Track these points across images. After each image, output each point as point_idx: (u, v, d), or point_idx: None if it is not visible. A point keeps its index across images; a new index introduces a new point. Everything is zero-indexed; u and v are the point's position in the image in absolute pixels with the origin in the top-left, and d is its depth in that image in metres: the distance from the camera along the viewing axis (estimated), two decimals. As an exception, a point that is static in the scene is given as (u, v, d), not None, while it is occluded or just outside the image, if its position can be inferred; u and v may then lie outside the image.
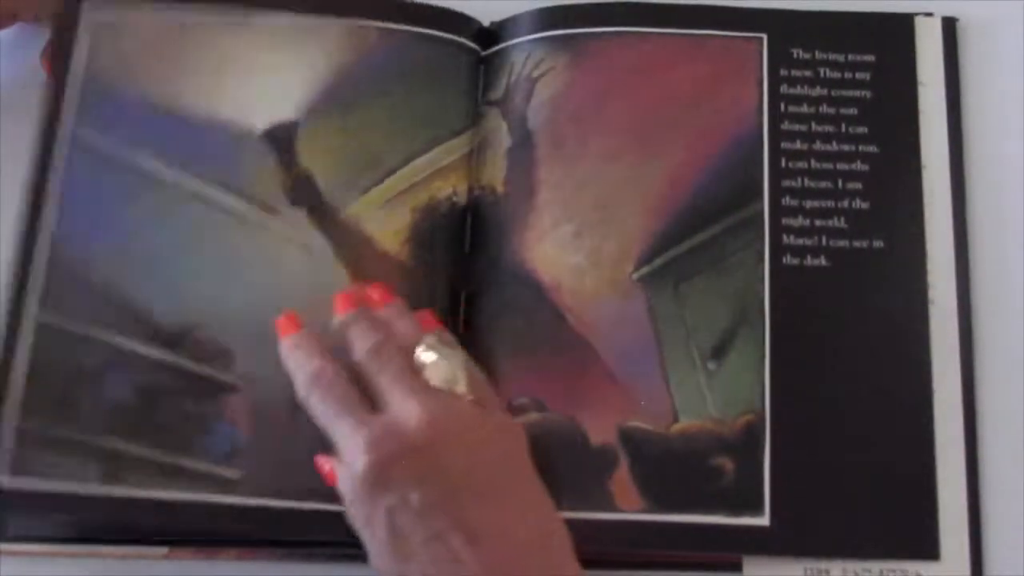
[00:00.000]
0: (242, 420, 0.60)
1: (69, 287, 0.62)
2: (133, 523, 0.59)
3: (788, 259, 0.61)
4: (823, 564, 0.57)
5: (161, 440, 0.59)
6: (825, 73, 0.65)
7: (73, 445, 0.59)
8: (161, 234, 0.63)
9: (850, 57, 0.65)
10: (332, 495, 0.56)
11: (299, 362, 0.57)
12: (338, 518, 0.56)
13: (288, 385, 0.58)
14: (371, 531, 0.53)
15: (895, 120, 0.64)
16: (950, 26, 0.66)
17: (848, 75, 0.64)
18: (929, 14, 0.66)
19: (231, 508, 0.58)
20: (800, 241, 0.61)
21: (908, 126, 0.64)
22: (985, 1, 0.68)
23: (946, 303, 0.61)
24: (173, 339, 0.61)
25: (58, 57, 0.66)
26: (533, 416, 0.59)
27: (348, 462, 0.53)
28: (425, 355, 0.56)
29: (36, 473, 0.59)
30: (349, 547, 0.57)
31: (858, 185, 0.62)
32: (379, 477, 0.52)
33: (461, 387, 0.55)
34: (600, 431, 0.59)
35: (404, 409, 0.53)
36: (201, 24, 0.67)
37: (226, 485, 0.59)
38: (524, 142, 0.64)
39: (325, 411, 0.55)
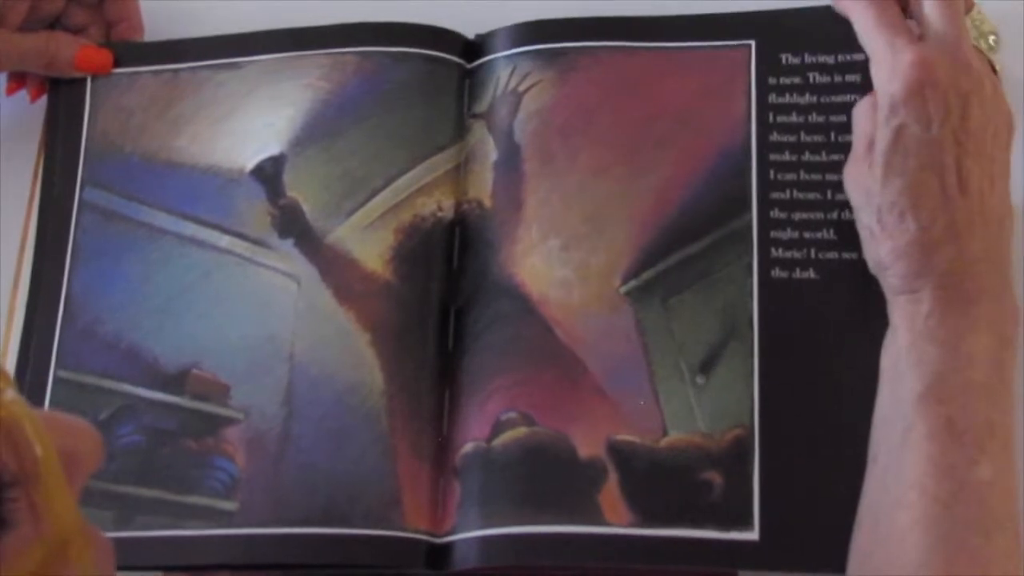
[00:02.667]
0: (238, 453, 0.61)
1: (81, 342, 0.64)
2: (141, 563, 0.60)
3: (777, 272, 0.61)
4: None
5: (167, 480, 0.61)
6: (815, 78, 0.64)
7: (89, 494, 0.60)
8: (164, 281, 0.64)
9: (840, 58, 0.63)
10: (323, 519, 0.58)
11: None
12: (331, 542, 0.57)
13: (278, 414, 0.60)
14: (868, 138, 0.57)
15: None
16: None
17: (838, 78, 0.63)
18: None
19: (229, 538, 0.59)
20: (789, 254, 0.61)
21: None
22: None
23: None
24: (174, 380, 0.62)
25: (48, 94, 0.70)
26: (521, 430, 0.59)
27: (881, 78, 0.56)
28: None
29: None
30: (342, 568, 0.58)
31: (846, 195, 0.62)
32: (908, 98, 0.55)
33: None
34: (589, 445, 0.58)
35: (948, 44, 0.56)
36: (192, 71, 0.68)
37: (224, 518, 0.59)
38: (511, 156, 0.64)
39: (862, 17, 0.58)
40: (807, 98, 0.63)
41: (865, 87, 0.62)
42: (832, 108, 0.63)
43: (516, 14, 0.67)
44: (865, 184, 0.56)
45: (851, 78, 0.63)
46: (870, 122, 0.57)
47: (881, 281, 0.57)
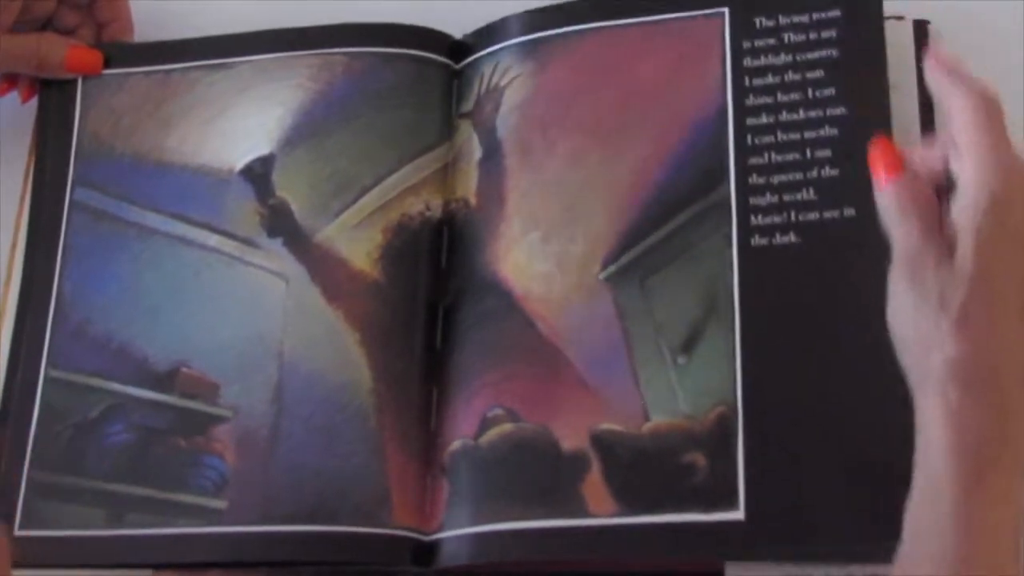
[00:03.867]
0: (227, 451, 0.61)
1: (72, 342, 0.64)
2: (131, 561, 0.60)
3: (757, 240, 0.59)
4: (804, 569, 0.56)
5: (157, 478, 0.61)
6: (790, 38, 0.63)
7: (79, 493, 0.61)
8: (154, 281, 0.65)
9: (815, 16, 0.62)
10: (313, 517, 0.58)
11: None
12: (320, 539, 0.58)
13: (267, 412, 0.61)
14: (927, 226, 0.53)
15: (864, 74, 0.61)
16: (921, 29, 0.66)
17: (813, 35, 0.62)
18: (900, 17, 0.66)
19: (219, 536, 0.59)
20: (768, 220, 0.59)
21: (877, 79, 0.61)
22: (957, 1, 0.68)
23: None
24: (164, 378, 0.63)
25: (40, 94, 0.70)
26: (506, 426, 0.59)
27: (982, 171, 0.52)
28: None
29: (45, 523, 0.61)
30: (331, 565, 0.59)
31: (827, 152, 0.60)
32: (1011, 198, 0.52)
33: None
34: (572, 437, 0.58)
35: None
36: (182, 72, 0.69)
37: (214, 516, 0.60)
38: (494, 152, 0.64)
39: (974, 108, 0.54)
40: (782, 58, 0.62)
41: (841, 42, 0.62)
42: (808, 65, 0.62)
43: (505, 13, 0.67)
44: (939, 284, 0.52)
45: (827, 34, 0.62)
46: (926, 213, 0.53)
47: (918, 376, 0.53)
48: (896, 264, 0.54)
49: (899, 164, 0.56)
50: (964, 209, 0.52)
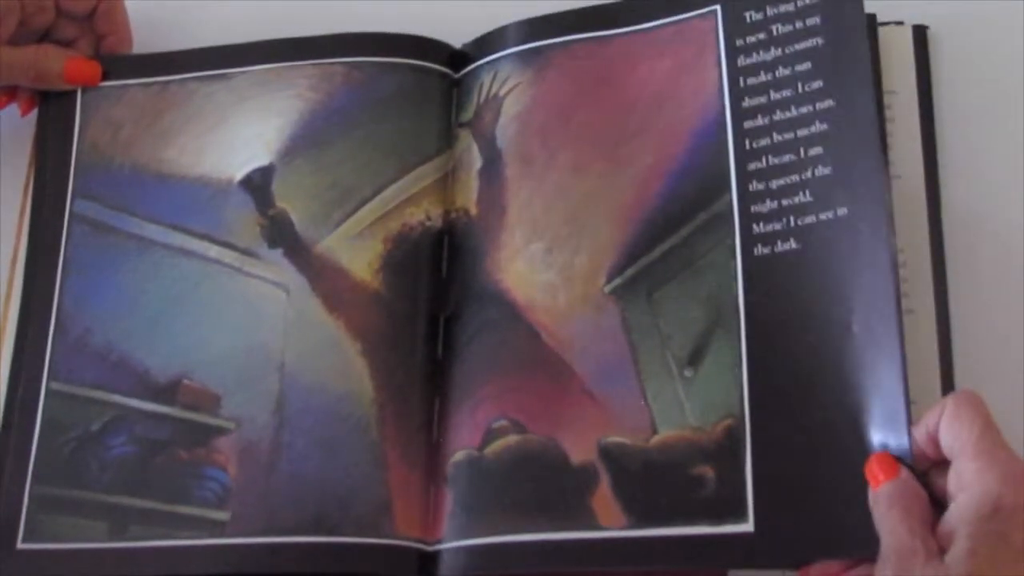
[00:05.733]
0: (229, 463, 0.61)
1: (73, 354, 0.64)
2: (134, 573, 0.60)
3: (759, 249, 0.59)
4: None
5: (159, 491, 0.61)
6: (778, 30, 0.62)
7: (82, 505, 0.61)
8: (154, 292, 0.65)
9: (799, 3, 0.62)
10: (315, 528, 0.58)
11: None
12: (322, 550, 0.58)
13: (269, 424, 0.61)
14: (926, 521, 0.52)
15: (847, 62, 0.61)
16: (921, 34, 0.66)
17: (799, 24, 0.62)
18: (899, 23, 0.66)
19: (221, 548, 0.59)
20: (770, 227, 0.59)
21: (860, 65, 0.60)
22: (955, 5, 0.68)
23: (924, 311, 0.61)
24: (166, 390, 0.63)
25: (40, 110, 0.70)
26: (513, 438, 0.59)
27: (994, 476, 0.51)
28: None
29: (48, 536, 0.61)
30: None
31: (819, 149, 0.60)
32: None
33: None
34: (580, 449, 0.58)
35: None
36: (181, 83, 0.69)
37: (216, 527, 0.60)
38: (494, 162, 0.64)
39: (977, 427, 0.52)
40: (772, 52, 0.62)
41: (824, 29, 0.61)
42: (796, 57, 0.62)
43: (505, 22, 0.67)
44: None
45: (811, 21, 0.62)
46: (917, 510, 0.52)
47: None
48: (881, 560, 0.52)
49: (894, 468, 0.54)
50: (964, 511, 0.51)
